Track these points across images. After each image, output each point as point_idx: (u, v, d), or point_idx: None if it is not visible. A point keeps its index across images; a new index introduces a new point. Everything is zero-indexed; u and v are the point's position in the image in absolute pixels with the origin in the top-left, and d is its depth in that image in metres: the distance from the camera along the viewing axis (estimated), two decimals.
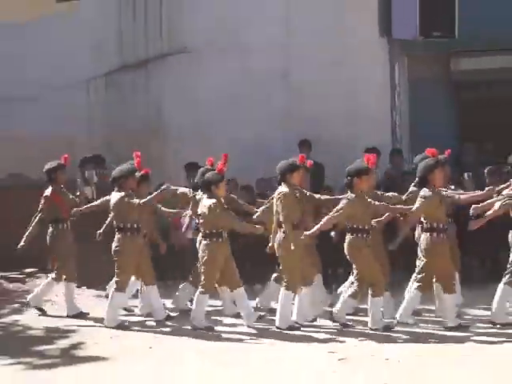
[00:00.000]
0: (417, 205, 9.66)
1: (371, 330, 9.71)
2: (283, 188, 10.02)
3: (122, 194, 10.30)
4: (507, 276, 9.75)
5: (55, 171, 10.98)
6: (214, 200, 9.84)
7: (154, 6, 15.01)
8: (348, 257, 9.89)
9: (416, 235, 10.32)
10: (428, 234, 9.72)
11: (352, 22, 14.07)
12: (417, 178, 10.06)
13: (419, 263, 9.90)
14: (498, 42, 14.02)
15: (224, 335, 9.81)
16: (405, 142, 14.46)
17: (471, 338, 9.32)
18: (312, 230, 9.77)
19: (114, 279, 10.40)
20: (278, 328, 9.90)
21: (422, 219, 9.84)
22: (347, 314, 10.16)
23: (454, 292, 9.82)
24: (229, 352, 8.99)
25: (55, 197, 11.01)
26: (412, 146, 13.95)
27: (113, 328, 10.17)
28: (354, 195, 9.69)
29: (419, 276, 9.79)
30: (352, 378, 7.99)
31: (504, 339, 9.23)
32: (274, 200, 10.10)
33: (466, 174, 11.70)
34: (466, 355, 8.62)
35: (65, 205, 11.09)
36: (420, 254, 9.91)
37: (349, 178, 9.80)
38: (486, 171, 11.43)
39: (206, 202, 9.92)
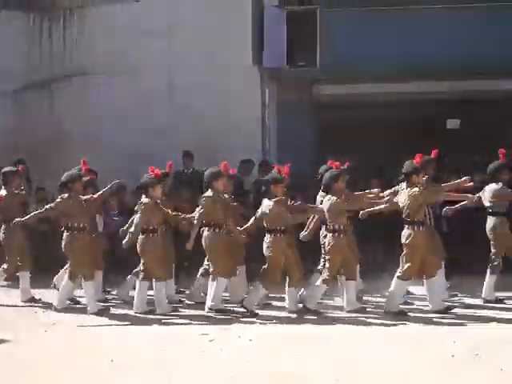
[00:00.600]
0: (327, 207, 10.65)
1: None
2: (208, 193, 10.96)
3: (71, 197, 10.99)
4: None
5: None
6: (147, 199, 10.80)
7: (58, 29, 15.85)
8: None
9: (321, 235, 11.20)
10: (331, 234, 10.73)
11: (229, 51, 14.93)
12: (322, 186, 10.95)
13: (324, 259, 10.91)
14: (353, 71, 15.00)
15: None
16: (273, 154, 15.38)
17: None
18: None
19: (68, 271, 11.05)
20: (209, 309, 10.81)
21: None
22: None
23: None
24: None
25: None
26: (279, 158, 14.48)
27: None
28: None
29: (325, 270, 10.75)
30: (215, 354, 8.78)
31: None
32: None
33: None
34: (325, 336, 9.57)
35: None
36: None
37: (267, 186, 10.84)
38: None
39: (144, 200, 10.89)
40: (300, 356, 8.48)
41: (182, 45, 15.07)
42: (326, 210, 10.74)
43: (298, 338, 9.44)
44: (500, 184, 11.17)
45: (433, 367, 8.05)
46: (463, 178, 10.79)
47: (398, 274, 10.63)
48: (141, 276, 10.93)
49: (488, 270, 11.25)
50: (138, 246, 11.01)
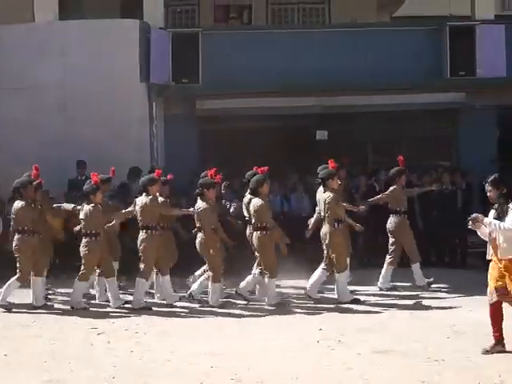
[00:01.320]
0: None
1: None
2: (143, 198, 11.46)
3: (23, 202, 11.40)
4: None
5: None
6: (92, 205, 11.37)
7: None
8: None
9: (247, 233, 11.91)
10: (258, 232, 11.44)
11: (119, 69, 15.56)
12: (249, 190, 11.58)
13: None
14: (230, 87, 16.03)
15: None
16: (161, 161, 15.96)
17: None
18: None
19: (17, 271, 11.40)
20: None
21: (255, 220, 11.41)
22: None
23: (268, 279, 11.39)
24: None
25: None
26: (167, 165, 15.25)
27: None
28: (204, 203, 11.34)
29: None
30: (102, 346, 9.33)
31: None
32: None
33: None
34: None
35: None
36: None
37: (200, 189, 11.43)
38: None
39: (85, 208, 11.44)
40: (174, 349, 9.09)
41: (76, 64, 15.48)
42: (253, 211, 11.48)
43: (177, 331, 10.10)
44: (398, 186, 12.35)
45: (299, 351, 8.85)
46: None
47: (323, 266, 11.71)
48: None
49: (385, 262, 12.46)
50: (81, 248, 11.45)
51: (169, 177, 12.44)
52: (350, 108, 16.61)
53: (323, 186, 11.72)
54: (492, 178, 8.71)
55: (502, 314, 8.59)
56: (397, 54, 16.61)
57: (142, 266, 11.46)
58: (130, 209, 11.68)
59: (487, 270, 8.74)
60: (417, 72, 16.56)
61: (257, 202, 11.47)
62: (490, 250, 8.61)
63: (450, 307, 11.24)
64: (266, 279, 11.53)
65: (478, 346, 8.84)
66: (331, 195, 11.56)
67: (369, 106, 16.49)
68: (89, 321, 10.73)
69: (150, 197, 11.40)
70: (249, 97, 16.33)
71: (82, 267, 11.50)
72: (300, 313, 11.13)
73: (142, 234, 11.45)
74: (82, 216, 11.51)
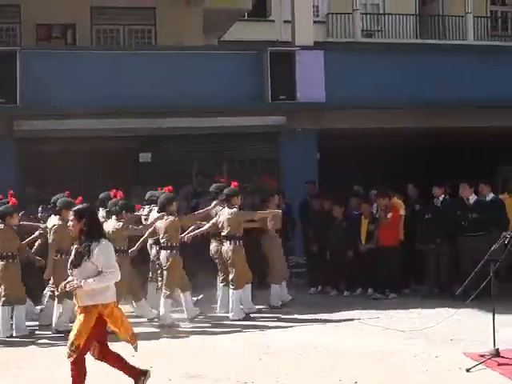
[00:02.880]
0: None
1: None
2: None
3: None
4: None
5: None
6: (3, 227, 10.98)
7: None
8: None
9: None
10: (165, 250, 11.56)
11: None
12: (158, 208, 11.69)
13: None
14: (52, 108, 15.76)
15: None
16: None
17: None
18: None
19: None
20: None
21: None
22: None
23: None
24: None
25: None
26: None
27: None
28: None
29: None
30: None
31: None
32: None
33: None
34: None
35: None
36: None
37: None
38: None
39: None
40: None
41: None
42: (164, 229, 11.62)
43: None
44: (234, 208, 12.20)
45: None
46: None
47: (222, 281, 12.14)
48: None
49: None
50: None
51: None
52: (175, 130, 16.60)
53: (227, 203, 11.99)
54: None
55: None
56: (221, 77, 16.72)
57: None
58: None
59: None
60: (240, 95, 16.77)
61: (167, 219, 11.69)
62: None
63: (265, 327, 11.29)
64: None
65: (289, 366, 8.94)
66: (235, 211, 11.94)
67: (192, 128, 16.52)
68: None
69: None
70: (71, 118, 15.96)
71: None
72: None
73: None
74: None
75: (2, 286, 11.18)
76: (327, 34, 28.58)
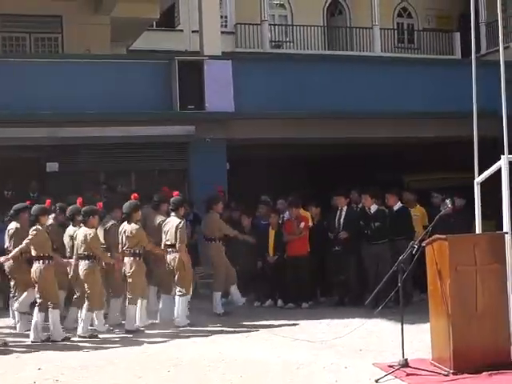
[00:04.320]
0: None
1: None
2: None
3: None
4: None
5: None
6: None
7: None
8: None
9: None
10: (132, 257, 11.60)
11: None
12: (124, 215, 11.72)
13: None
14: None
15: None
16: None
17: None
18: None
19: None
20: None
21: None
22: None
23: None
24: None
25: None
26: None
27: None
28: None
29: None
30: None
31: None
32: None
33: None
34: None
35: None
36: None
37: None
38: None
39: None
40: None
41: None
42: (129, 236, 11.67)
43: None
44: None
45: None
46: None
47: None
48: None
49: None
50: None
51: None
52: (82, 139, 16.24)
53: (175, 212, 12.11)
54: None
55: None
56: (129, 86, 16.46)
57: None
58: None
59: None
60: (148, 104, 16.50)
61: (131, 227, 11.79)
62: None
63: (174, 338, 11.09)
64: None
65: (197, 378, 8.78)
66: (182, 221, 12.06)
67: (100, 137, 16.18)
68: None
69: None
70: None
71: None
72: (20, 351, 10.51)
73: None
74: None
75: (39, 290, 11.10)
76: (236, 45, 28.51)
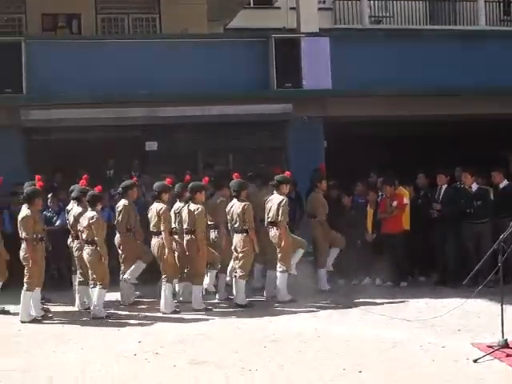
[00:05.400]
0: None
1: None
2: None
3: None
4: None
5: None
6: None
7: None
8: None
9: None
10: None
11: None
12: (234, 193, 12.02)
13: None
14: (58, 98, 15.67)
15: None
16: None
17: None
18: None
19: None
20: None
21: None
22: None
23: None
24: None
25: None
26: None
27: None
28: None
29: None
30: None
31: None
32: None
33: None
34: None
35: None
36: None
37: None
38: None
39: None
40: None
41: None
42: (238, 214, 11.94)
43: None
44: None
45: (113, 365, 8.66)
46: None
47: None
48: None
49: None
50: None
51: None
52: (181, 119, 16.40)
53: (277, 190, 12.25)
54: None
55: None
56: (226, 65, 16.58)
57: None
58: None
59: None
60: (245, 83, 16.59)
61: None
62: None
63: (271, 315, 11.22)
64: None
65: (293, 354, 8.87)
66: (285, 199, 12.17)
67: (198, 116, 16.35)
68: None
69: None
70: (78, 107, 15.93)
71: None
72: (120, 324, 10.86)
73: None
74: None
75: (91, 271, 11.45)
76: (334, 21, 28.35)
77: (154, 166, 16.25)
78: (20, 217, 11.37)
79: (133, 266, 12.11)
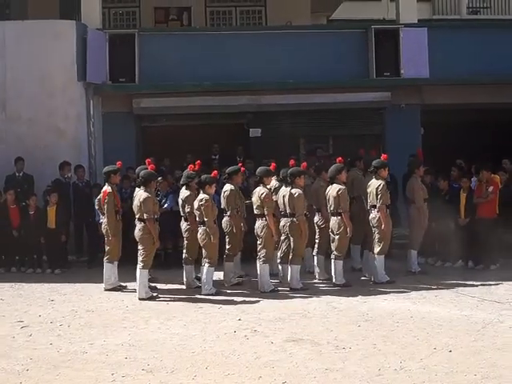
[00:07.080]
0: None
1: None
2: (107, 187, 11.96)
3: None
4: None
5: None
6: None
7: None
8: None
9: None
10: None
11: (56, 67, 15.20)
12: (329, 178, 11.97)
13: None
14: (167, 87, 16.04)
15: None
16: (98, 158, 15.67)
17: None
18: None
19: None
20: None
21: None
22: None
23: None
24: None
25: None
26: (105, 161, 14.88)
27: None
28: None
29: None
30: (23, 339, 9.15)
31: None
32: None
33: None
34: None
35: None
36: None
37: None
38: None
39: None
40: (93, 340, 9.16)
41: (14, 64, 15.14)
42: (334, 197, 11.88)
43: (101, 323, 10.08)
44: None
45: (215, 341, 8.76)
46: None
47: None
48: None
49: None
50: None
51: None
52: (283, 106, 16.59)
53: (375, 175, 12.21)
54: None
55: None
56: (327, 55, 16.60)
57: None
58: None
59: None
60: (345, 72, 16.54)
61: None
62: None
63: (364, 296, 11.16)
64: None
65: (386, 333, 8.83)
66: (382, 183, 12.06)
67: (300, 104, 16.48)
68: (17, 313, 10.48)
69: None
70: (185, 96, 16.23)
71: None
72: (222, 302, 10.97)
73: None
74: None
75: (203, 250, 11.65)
76: (433, 12, 27.79)
77: (257, 151, 16.33)
78: (142, 198, 11.45)
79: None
